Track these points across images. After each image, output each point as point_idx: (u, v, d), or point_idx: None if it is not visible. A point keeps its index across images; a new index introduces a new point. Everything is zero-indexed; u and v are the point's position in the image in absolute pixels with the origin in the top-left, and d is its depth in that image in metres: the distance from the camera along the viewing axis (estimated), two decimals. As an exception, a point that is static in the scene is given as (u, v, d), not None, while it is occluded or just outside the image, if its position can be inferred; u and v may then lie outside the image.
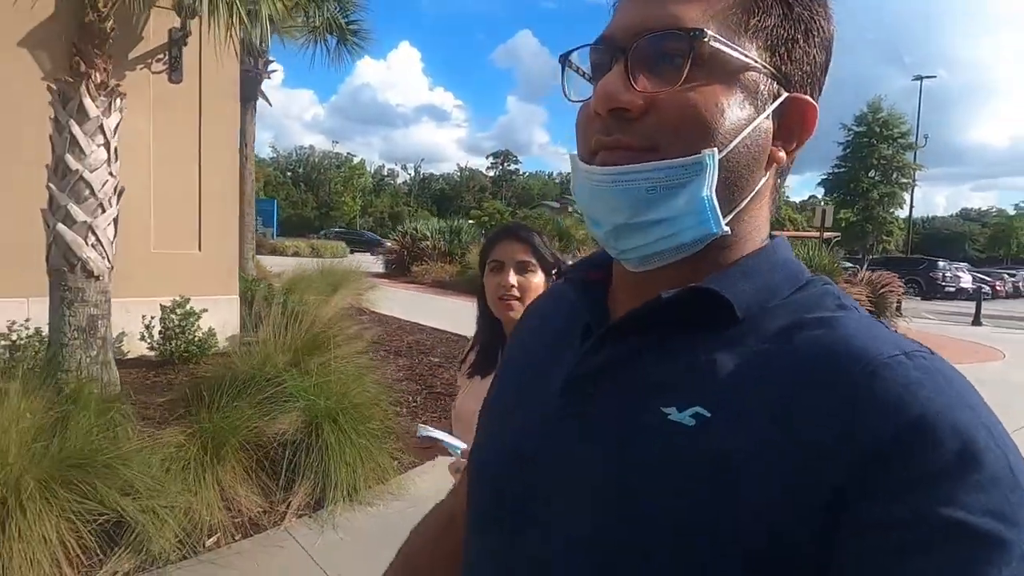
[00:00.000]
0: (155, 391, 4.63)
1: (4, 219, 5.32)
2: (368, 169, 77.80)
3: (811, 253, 11.73)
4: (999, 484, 0.41)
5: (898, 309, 11.60)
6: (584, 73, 0.60)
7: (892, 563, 0.40)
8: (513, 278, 1.58)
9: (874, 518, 0.41)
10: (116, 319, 4.92)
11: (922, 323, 11.78)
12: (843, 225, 29.39)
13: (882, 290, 11.07)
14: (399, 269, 18.43)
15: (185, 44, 5.94)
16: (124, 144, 5.30)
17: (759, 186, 0.57)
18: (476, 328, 1.77)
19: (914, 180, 31.86)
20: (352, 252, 25.75)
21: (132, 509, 2.87)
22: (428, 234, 19.16)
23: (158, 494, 2.97)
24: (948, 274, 25.34)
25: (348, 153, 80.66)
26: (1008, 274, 30.92)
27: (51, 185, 4.37)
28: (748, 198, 0.56)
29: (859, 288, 10.67)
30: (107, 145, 4.48)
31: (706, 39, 0.52)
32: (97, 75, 4.41)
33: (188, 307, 5.74)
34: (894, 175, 30.84)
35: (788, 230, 31.33)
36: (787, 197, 37.35)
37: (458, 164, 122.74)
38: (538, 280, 1.60)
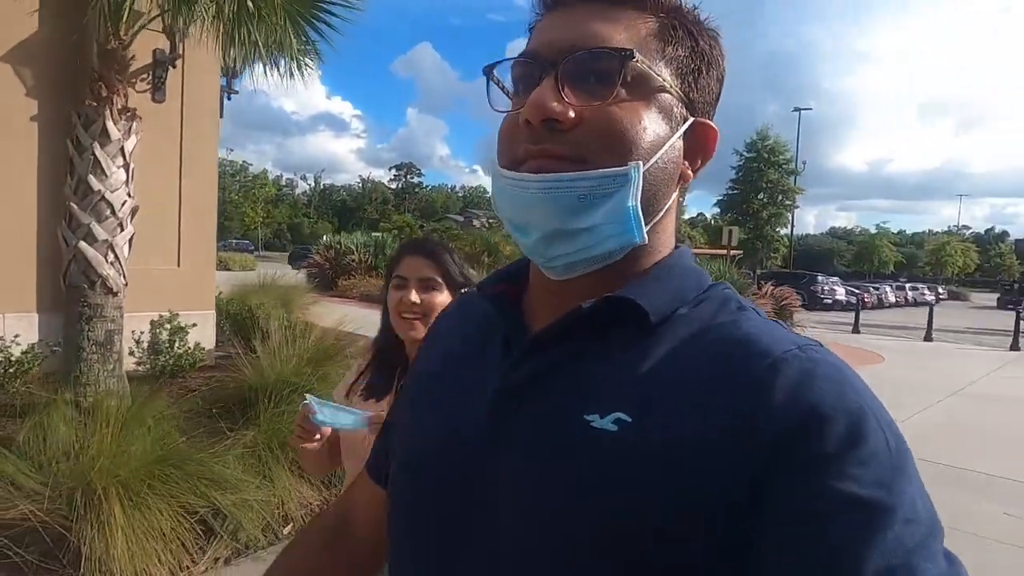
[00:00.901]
0: (174, 402, 4.83)
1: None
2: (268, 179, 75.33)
3: (722, 269, 13.02)
4: (879, 458, 0.46)
5: (789, 319, 13.04)
6: (504, 87, 0.62)
7: (800, 535, 0.44)
8: (416, 296, 1.48)
9: (781, 496, 0.46)
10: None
11: (810, 331, 13.31)
12: (737, 243, 31.97)
13: (783, 303, 12.49)
14: (324, 283, 18.35)
15: (173, 66, 6.10)
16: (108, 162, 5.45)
17: (671, 201, 0.61)
18: (372, 348, 1.65)
19: (795, 202, 35.17)
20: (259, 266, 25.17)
21: (225, 502, 3.20)
22: (353, 248, 19.23)
23: (243, 488, 3.32)
24: (826, 287, 28.03)
25: (244, 161, 77.69)
26: (873, 287, 34.55)
27: (72, 204, 4.51)
28: (663, 211, 0.60)
29: (765, 300, 12.00)
30: (126, 166, 4.68)
31: (635, 60, 0.55)
32: (119, 100, 4.61)
33: (176, 322, 5.89)
34: (779, 197, 33.96)
35: (691, 246, 33.43)
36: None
37: (360, 176, 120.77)
38: (443, 298, 1.50)
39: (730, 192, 35.31)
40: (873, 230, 69.51)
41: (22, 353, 4.85)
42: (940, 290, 39.82)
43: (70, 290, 4.55)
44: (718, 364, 0.52)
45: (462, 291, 1.51)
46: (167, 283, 6.36)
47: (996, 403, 8.17)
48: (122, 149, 4.62)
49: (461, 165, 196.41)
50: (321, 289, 17.89)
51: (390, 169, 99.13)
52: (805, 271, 32.47)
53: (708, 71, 0.61)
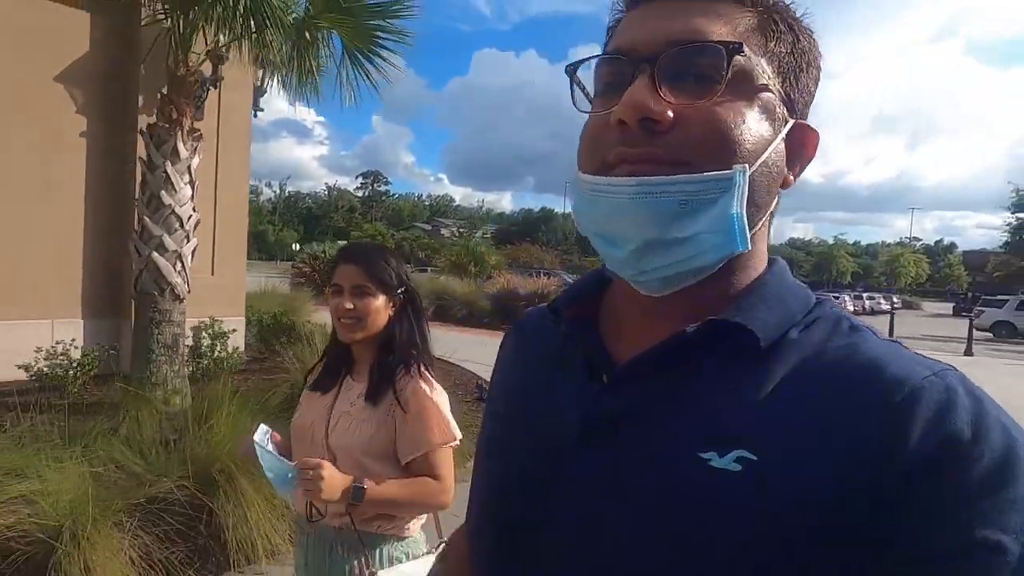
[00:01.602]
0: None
1: (32, 251, 5.65)
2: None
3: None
4: None
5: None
6: (585, 90, 0.59)
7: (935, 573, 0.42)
8: (349, 302, 1.56)
9: (918, 533, 0.43)
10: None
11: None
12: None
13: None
14: (315, 292, 18.60)
15: (215, 87, 6.50)
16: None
17: (773, 207, 0.57)
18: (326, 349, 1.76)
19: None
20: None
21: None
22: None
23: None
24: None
25: (211, 168, 76.33)
26: (834, 296, 35.91)
27: (145, 218, 4.91)
28: (764, 219, 0.56)
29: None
30: (191, 183, 5.09)
31: (744, 53, 0.52)
32: (187, 122, 5.02)
33: (218, 327, 6.26)
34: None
35: None
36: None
37: (326, 183, 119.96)
38: (378, 303, 1.59)
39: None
40: (831, 241, 71.98)
41: (82, 356, 5.20)
42: (895, 299, 41.60)
43: (141, 297, 4.93)
44: (846, 394, 0.48)
45: (400, 292, 1.62)
46: (203, 291, 6.73)
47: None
48: (189, 167, 5.03)
49: (426, 173, 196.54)
50: (313, 298, 18.14)
51: (356, 177, 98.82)
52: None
53: (808, 70, 0.58)
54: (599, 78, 0.58)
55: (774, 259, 0.60)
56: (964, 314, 31.08)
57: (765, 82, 0.54)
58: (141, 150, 5.03)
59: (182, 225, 4.99)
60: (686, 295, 0.55)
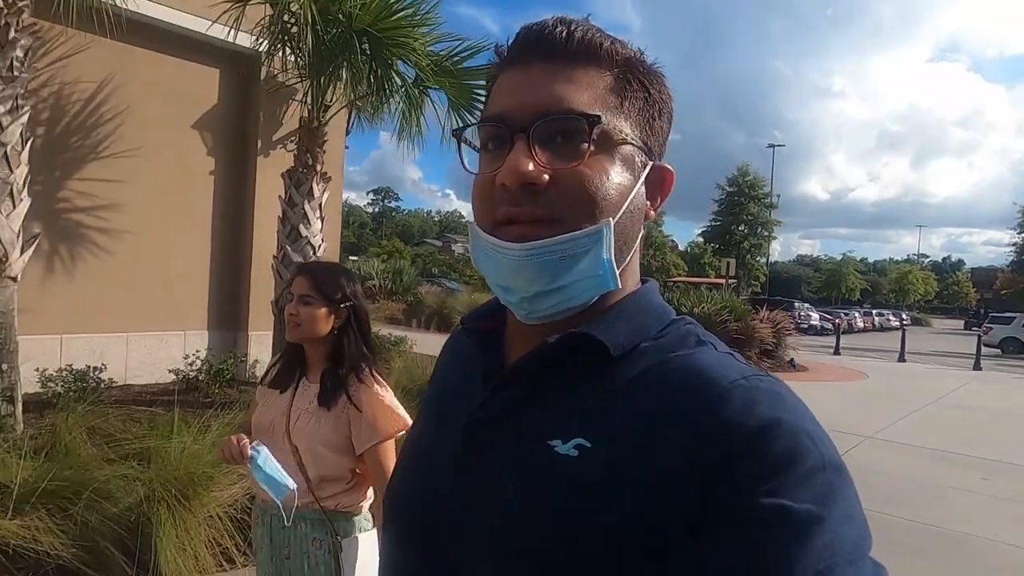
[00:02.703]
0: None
1: (173, 273, 6.68)
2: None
3: (725, 297, 14.69)
4: (815, 475, 0.50)
5: (783, 342, 14.67)
6: (472, 145, 0.66)
7: (739, 549, 0.48)
8: (295, 308, 1.84)
9: (721, 515, 0.50)
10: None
11: (798, 353, 14.96)
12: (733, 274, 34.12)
13: (777, 326, 14.15)
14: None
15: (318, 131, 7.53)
16: (261, 207, 6.89)
17: (638, 241, 0.66)
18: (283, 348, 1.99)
19: (773, 233, 37.60)
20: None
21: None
22: (373, 274, 20.57)
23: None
24: (802, 313, 30.01)
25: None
26: (844, 313, 36.74)
27: (287, 247, 5.89)
28: (632, 253, 0.65)
29: (765, 325, 13.65)
30: (322, 217, 6.08)
31: (602, 122, 0.59)
32: (319, 167, 6.02)
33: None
34: (759, 229, 36.29)
35: (710, 276, 35.05)
36: (673, 245, 41.96)
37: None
38: (320, 312, 1.84)
39: (713, 223, 37.77)
40: (838, 257, 72.62)
41: (221, 363, 6.16)
42: (904, 316, 42.34)
43: (281, 314, 5.89)
44: (672, 394, 0.56)
45: (343, 305, 1.87)
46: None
47: (965, 410, 9.89)
48: (320, 204, 6.02)
49: (434, 189, 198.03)
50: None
51: (367, 193, 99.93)
52: (783, 298, 34.53)
53: (660, 116, 0.65)
54: (482, 136, 0.64)
55: (646, 280, 0.70)
56: (975, 329, 32.71)
57: (623, 137, 0.61)
58: (281, 190, 6.02)
59: (315, 252, 5.97)
60: (558, 324, 0.63)
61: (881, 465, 6.21)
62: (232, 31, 5.44)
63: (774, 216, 37.27)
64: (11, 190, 4.40)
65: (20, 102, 4.46)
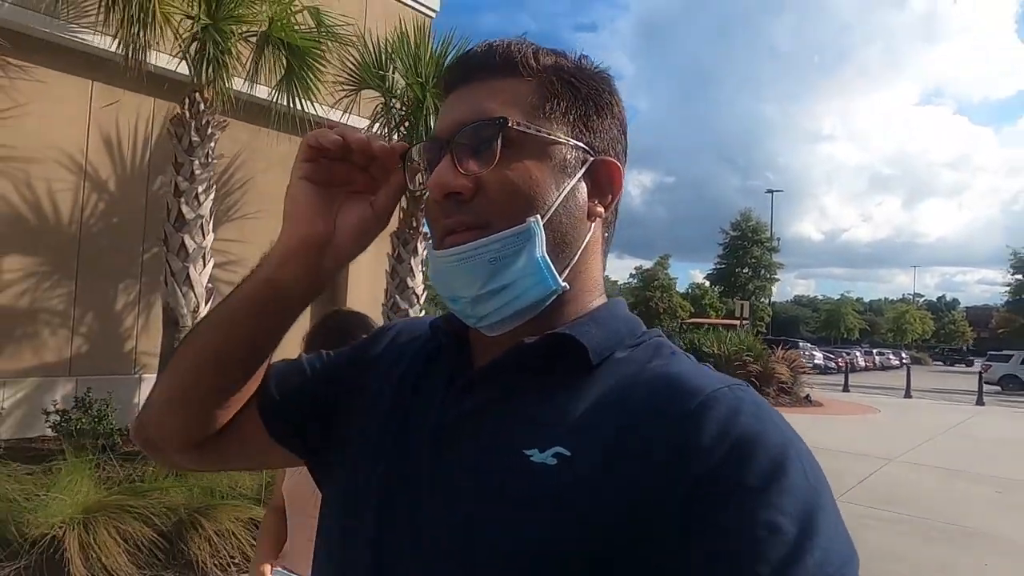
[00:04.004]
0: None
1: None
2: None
3: (743, 338, 15.75)
4: (800, 489, 0.49)
5: (798, 379, 15.62)
6: (423, 167, 0.67)
7: (728, 562, 0.48)
8: None
9: (708, 525, 0.49)
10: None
11: (812, 391, 15.89)
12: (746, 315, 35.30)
13: (792, 364, 15.16)
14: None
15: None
16: (355, 262, 7.94)
17: (586, 240, 0.64)
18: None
19: (776, 274, 38.97)
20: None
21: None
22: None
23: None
24: (806, 352, 30.96)
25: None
26: (845, 352, 37.74)
27: (396, 296, 6.95)
28: (578, 253, 0.64)
29: (780, 364, 14.65)
30: (424, 272, 7.16)
31: (509, 124, 0.60)
32: (420, 229, 7.12)
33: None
34: (762, 271, 37.62)
35: (711, 317, 36.13)
36: (676, 288, 43.21)
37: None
38: None
39: (719, 267, 39.17)
40: (835, 297, 73.93)
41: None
42: (903, 355, 43.39)
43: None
44: (652, 402, 0.55)
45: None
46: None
47: (973, 439, 10.88)
48: (422, 259, 7.11)
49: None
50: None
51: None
52: (787, 338, 35.57)
53: (599, 113, 0.65)
54: (426, 161, 0.66)
55: (612, 296, 0.69)
56: (955, 364, 34.49)
57: (548, 138, 0.62)
58: (389, 247, 7.11)
59: (418, 300, 7.02)
60: (526, 328, 0.62)
61: (907, 480, 7.23)
62: (347, 115, 6.58)
63: (775, 259, 38.83)
64: (204, 253, 5.47)
65: (211, 183, 5.56)
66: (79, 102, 6.20)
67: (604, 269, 0.70)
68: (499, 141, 0.60)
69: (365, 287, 7.78)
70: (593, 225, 0.65)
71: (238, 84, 5.71)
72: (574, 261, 0.64)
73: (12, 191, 5.84)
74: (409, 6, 8.73)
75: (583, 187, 0.64)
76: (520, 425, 0.59)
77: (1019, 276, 33.53)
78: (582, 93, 0.65)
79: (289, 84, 5.79)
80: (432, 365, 0.70)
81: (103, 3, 4.78)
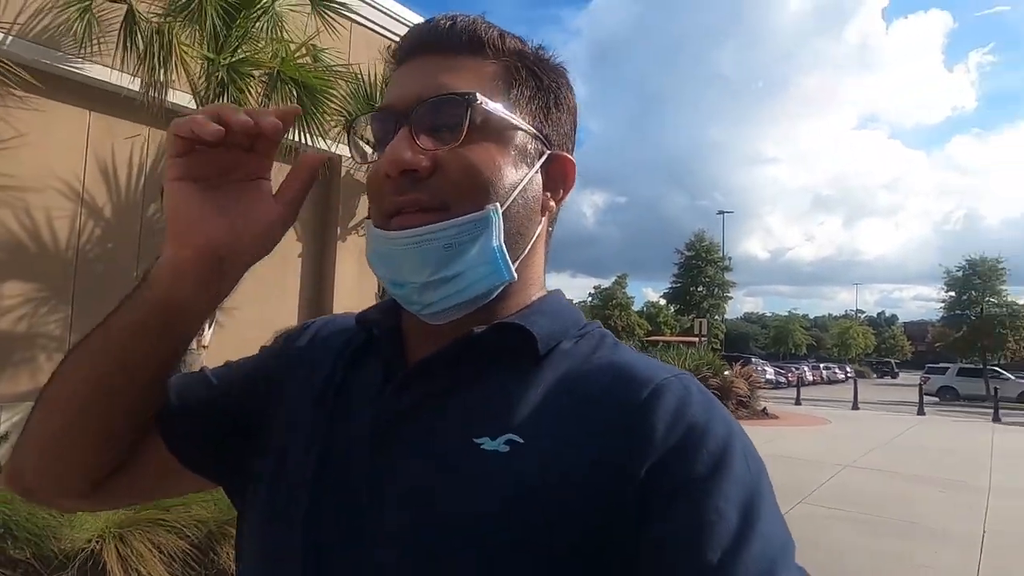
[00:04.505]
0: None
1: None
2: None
3: (702, 355, 16.45)
4: (743, 479, 0.51)
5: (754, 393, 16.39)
6: (368, 141, 0.64)
7: (677, 547, 0.49)
8: None
9: (656, 511, 0.50)
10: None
11: (767, 403, 16.67)
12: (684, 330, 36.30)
13: (750, 379, 15.93)
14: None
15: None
16: (340, 283, 8.27)
17: (536, 233, 0.63)
18: None
19: (728, 293, 40.39)
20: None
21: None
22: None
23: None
24: (759, 368, 32.07)
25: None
26: (794, 367, 39.18)
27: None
28: (529, 245, 0.63)
29: (739, 379, 15.38)
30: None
31: (478, 101, 0.57)
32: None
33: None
34: (716, 290, 38.96)
35: (665, 335, 37.03)
36: (633, 306, 44.21)
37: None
38: None
39: (674, 285, 40.41)
40: (783, 314, 76.40)
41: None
42: (848, 369, 45.24)
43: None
44: (603, 391, 0.56)
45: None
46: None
47: (917, 446, 11.69)
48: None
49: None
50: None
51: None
52: (740, 354, 36.77)
53: (557, 106, 0.65)
54: (373, 133, 0.63)
55: (554, 289, 0.68)
56: (882, 375, 37.15)
57: (510, 123, 0.60)
58: (356, 270, 7.41)
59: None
60: (467, 319, 0.60)
61: (861, 483, 7.85)
62: (339, 144, 6.91)
63: (728, 278, 40.34)
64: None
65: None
66: (76, 131, 6.37)
67: (547, 263, 0.69)
68: (467, 117, 0.58)
69: (351, 286, 8.09)
70: (543, 219, 0.65)
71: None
72: (524, 253, 0.63)
73: (11, 219, 5.97)
74: (390, 38, 9.14)
75: (539, 179, 0.64)
76: (470, 415, 0.57)
77: (952, 293, 35.49)
78: (544, 84, 0.64)
79: (298, 120, 6.09)
80: (363, 359, 0.67)
81: (123, 43, 5.03)
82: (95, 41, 5.39)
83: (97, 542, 3.76)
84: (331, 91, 5.79)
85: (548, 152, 0.64)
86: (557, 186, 0.66)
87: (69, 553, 3.67)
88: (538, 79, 0.64)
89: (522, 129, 0.62)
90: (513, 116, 0.61)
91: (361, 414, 0.61)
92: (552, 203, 0.66)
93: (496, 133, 0.60)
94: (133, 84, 5.55)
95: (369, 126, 0.64)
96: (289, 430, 0.65)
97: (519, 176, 0.61)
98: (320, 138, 6.25)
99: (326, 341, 0.72)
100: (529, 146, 0.63)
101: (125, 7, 5.12)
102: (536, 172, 0.63)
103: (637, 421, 0.53)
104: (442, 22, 0.62)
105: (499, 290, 0.61)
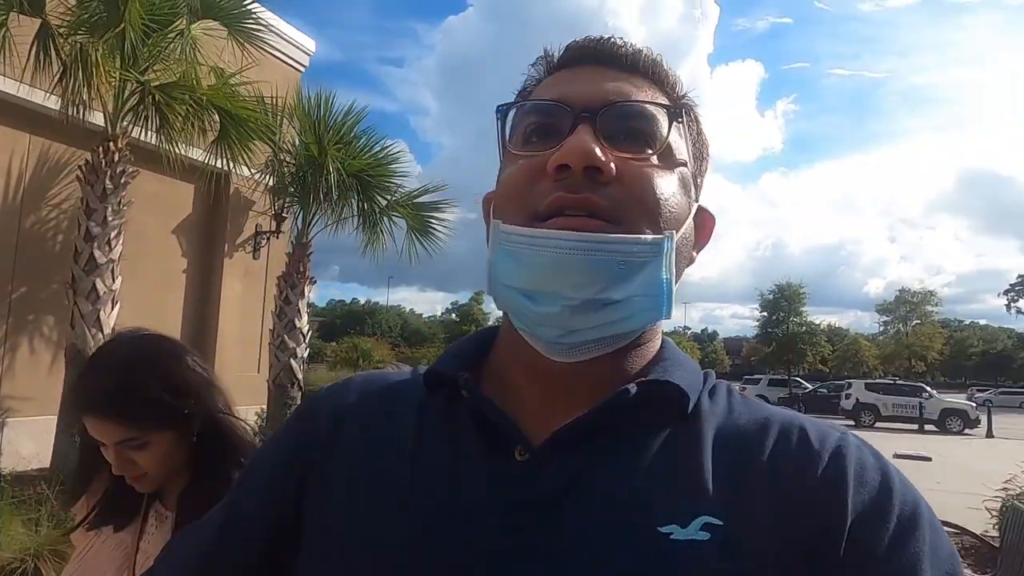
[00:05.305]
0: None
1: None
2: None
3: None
4: (939, 540, 0.48)
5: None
6: (506, 136, 0.58)
7: None
8: (122, 462, 1.13)
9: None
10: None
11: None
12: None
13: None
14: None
15: (276, 237, 9.03)
16: (226, 300, 8.32)
17: (680, 279, 0.56)
18: (82, 468, 1.27)
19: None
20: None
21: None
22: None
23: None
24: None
25: None
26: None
27: (284, 336, 7.45)
28: (676, 287, 0.54)
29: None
30: (309, 312, 7.74)
31: (680, 119, 0.54)
32: (308, 273, 7.71)
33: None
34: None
35: None
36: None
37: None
38: (162, 440, 1.13)
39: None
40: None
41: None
42: (679, 381, 49.55)
43: (277, 388, 7.36)
44: (780, 454, 0.50)
45: (184, 414, 1.15)
46: (251, 385, 8.97)
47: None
48: (309, 302, 7.70)
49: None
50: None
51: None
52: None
53: (705, 160, 0.61)
54: (523, 125, 0.56)
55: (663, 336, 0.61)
56: None
57: (684, 159, 0.56)
58: (276, 291, 7.59)
59: (304, 339, 7.57)
60: (602, 362, 0.52)
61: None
62: (237, 165, 7.07)
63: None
64: (113, 297, 5.67)
65: (121, 229, 5.79)
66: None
67: None
68: (668, 131, 0.54)
69: (237, 305, 8.13)
70: (684, 268, 0.58)
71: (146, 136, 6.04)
72: (673, 295, 0.54)
73: None
74: (282, 60, 9.29)
75: (692, 225, 0.58)
76: (639, 496, 0.48)
77: (765, 313, 40.30)
78: (703, 135, 0.62)
79: (219, 146, 6.30)
80: (444, 426, 0.55)
81: (39, 63, 5.00)
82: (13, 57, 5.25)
83: (32, 559, 3.77)
84: (257, 120, 6.03)
85: (696, 204, 0.60)
86: (699, 239, 0.61)
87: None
88: (699, 127, 0.62)
89: (689, 168, 0.58)
90: (686, 153, 0.58)
91: (481, 499, 0.50)
92: (695, 254, 0.61)
93: (673, 163, 0.56)
94: (31, 95, 5.43)
95: (510, 114, 0.59)
96: (362, 528, 0.52)
97: (686, 213, 0.56)
98: (209, 153, 6.33)
99: (381, 409, 0.60)
100: (691, 187, 0.58)
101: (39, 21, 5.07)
102: (691, 217, 0.58)
103: (826, 488, 0.49)
104: (617, 41, 0.59)
105: (646, 331, 0.56)
